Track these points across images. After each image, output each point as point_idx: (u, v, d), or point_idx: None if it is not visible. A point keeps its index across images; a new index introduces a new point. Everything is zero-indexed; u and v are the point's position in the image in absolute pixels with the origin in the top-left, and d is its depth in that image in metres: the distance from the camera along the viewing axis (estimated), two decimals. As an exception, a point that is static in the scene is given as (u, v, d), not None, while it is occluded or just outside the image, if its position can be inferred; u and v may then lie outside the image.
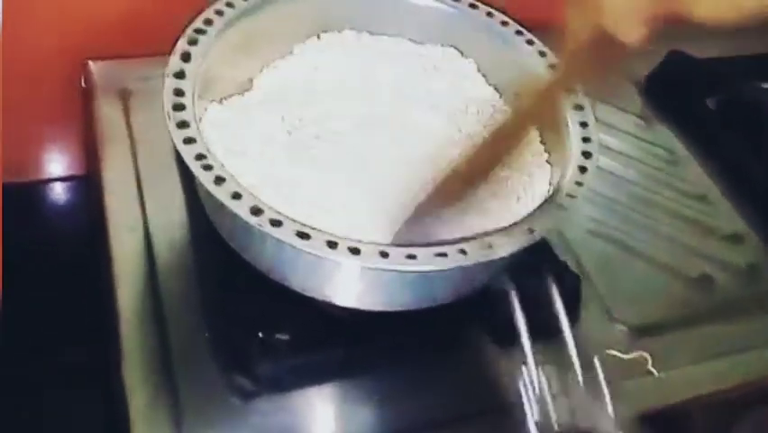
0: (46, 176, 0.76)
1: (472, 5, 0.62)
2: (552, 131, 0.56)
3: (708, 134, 0.74)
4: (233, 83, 0.57)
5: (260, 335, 0.50)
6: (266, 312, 0.51)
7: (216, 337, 0.52)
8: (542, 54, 0.60)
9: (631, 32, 0.43)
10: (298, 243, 0.44)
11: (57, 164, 0.76)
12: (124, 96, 0.65)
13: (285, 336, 0.51)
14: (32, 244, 0.69)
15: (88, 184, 0.67)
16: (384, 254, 0.45)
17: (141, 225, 0.57)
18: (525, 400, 0.47)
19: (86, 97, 0.66)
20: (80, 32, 0.67)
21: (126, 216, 0.58)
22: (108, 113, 0.64)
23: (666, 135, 0.75)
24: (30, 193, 0.76)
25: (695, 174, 0.72)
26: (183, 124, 0.48)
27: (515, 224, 0.49)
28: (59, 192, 0.77)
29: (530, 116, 0.53)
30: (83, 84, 0.67)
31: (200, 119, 0.51)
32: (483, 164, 0.52)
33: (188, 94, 0.50)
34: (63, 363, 0.67)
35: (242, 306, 0.52)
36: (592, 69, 0.48)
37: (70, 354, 0.67)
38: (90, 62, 0.67)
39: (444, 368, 0.54)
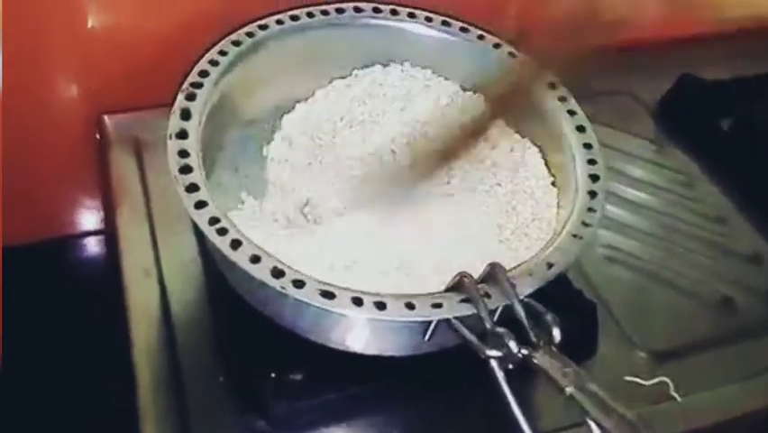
0: (71, 231, 0.77)
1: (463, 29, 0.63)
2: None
3: (723, 156, 0.74)
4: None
5: (274, 375, 0.50)
6: (279, 353, 0.51)
7: (231, 380, 0.53)
8: (561, 99, 0.60)
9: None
10: (323, 303, 0.45)
11: (79, 219, 0.77)
12: (139, 147, 0.67)
13: (298, 376, 0.51)
14: (57, 299, 0.71)
15: (105, 235, 0.69)
16: (410, 306, 0.45)
17: (155, 271, 0.58)
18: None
19: (102, 151, 0.68)
20: (95, 87, 0.69)
21: (141, 262, 0.59)
22: (123, 164, 0.65)
23: (681, 159, 0.75)
24: (55, 249, 0.77)
25: (712, 196, 0.71)
26: (192, 188, 0.48)
27: (533, 259, 0.49)
28: (84, 248, 0.78)
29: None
30: (98, 137, 0.68)
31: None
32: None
33: (193, 153, 0.50)
34: (83, 406, 0.68)
35: (255, 348, 0.52)
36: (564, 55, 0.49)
37: (90, 399, 0.67)
38: (105, 116, 0.69)
39: (458, 407, 0.53)
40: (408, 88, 0.63)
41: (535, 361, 0.43)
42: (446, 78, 0.63)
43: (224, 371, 0.53)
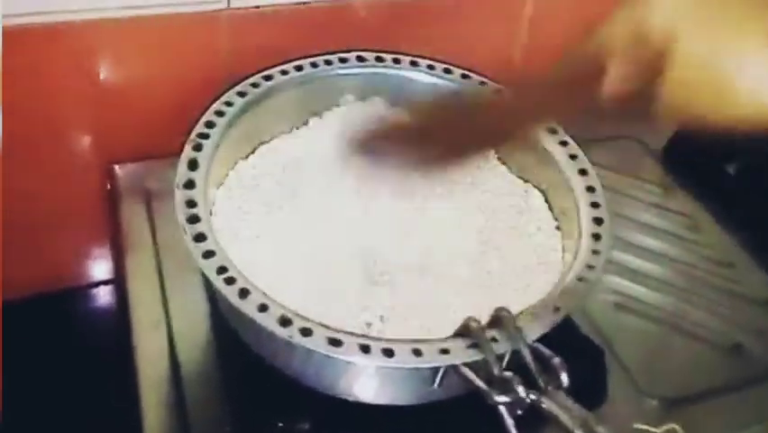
0: (82, 282, 0.77)
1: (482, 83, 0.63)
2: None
3: (730, 200, 0.74)
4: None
5: (281, 425, 0.50)
6: (286, 403, 0.51)
7: (238, 430, 0.52)
8: (563, 144, 0.60)
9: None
10: (331, 350, 0.45)
11: (90, 270, 0.77)
12: (148, 197, 0.67)
13: (305, 426, 0.51)
14: (66, 351, 0.71)
15: (114, 285, 0.69)
16: (418, 352, 0.45)
17: (164, 321, 0.58)
18: None
19: (112, 201, 0.68)
20: (106, 137, 0.69)
21: (150, 313, 0.59)
22: (133, 214, 0.66)
23: (688, 203, 0.75)
24: (66, 300, 0.77)
25: (720, 240, 0.71)
26: (200, 237, 0.49)
27: (539, 304, 0.50)
28: (94, 298, 0.78)
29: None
30: (108, 187, 0.69)
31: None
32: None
33: (200, 203, 0.51)
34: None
35: (263, 397, 0.52)
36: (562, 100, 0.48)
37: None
38: (116, 166, 0.69)
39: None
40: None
41: (544, 406, 0.43)
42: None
43: (232, 421, 0.53)
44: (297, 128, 0.63)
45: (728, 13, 0.40)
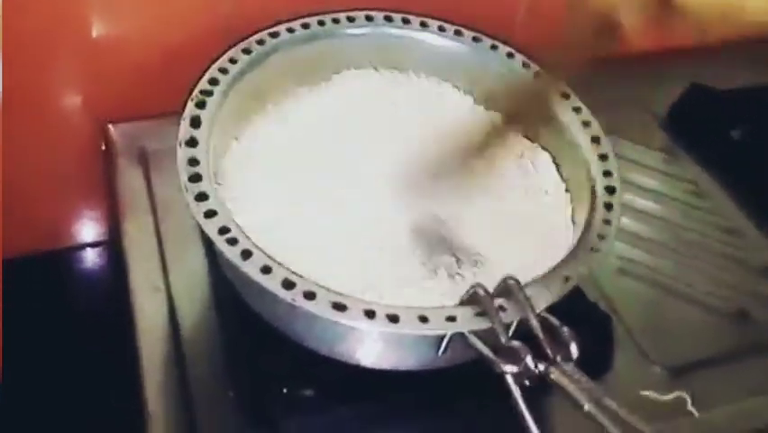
0: (75, 242, 0.76)
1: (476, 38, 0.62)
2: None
3: (734, 165, 0.73)
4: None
5: (285, 391, 0.50)
6: (290, 369, 0.50)
7: (241, 395, 0.52)
8: (576, 110, 0.59)
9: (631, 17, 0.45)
10: (335, 315, 0.44)
11: (84, 230, 0.76)
12: (145, 158, 0.66)
13: (309, 392, 0.50)
14: (60, 311, 0.70)
15: (112, 247, 0.68)
16: (424, 319, 0.44)
17: (163, 285, 0.57)
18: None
19: (107, 161, 0.67)
20: (100, 95, 0.68)
21: (149, 276, 0.58)
22: (129, 175, 0.65)
23: (692, 169, 0.74)
24: (59, 260, 0.76)
25: (724, 207, 0.70)
26: (202, 197, 0.48)
27: (549, 273, 0.48)
28: (88, 259, 0.77)
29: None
30: (103, 147, 0.67)
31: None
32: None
33: (203, 162, 0.50)
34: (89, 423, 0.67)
35: (266, 363, 0.51)
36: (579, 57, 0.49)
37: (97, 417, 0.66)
38: (110, 125, 0.68)
39: (472, 424, 0.52)
40: (418, 97, 0.62)
41: (552, 377, 0.42)
42: (459, 89, 0.63)
43: (234, 386, 0.52)
44: (306, 89, 0.61)
45: None
